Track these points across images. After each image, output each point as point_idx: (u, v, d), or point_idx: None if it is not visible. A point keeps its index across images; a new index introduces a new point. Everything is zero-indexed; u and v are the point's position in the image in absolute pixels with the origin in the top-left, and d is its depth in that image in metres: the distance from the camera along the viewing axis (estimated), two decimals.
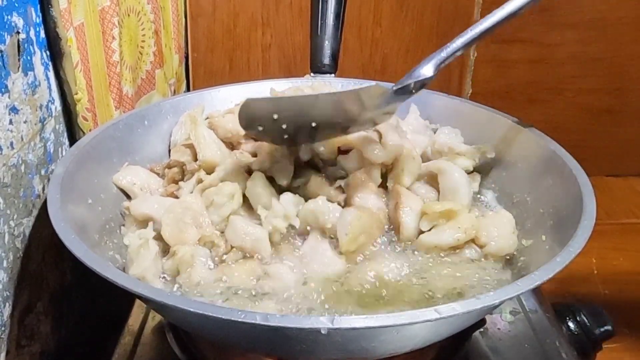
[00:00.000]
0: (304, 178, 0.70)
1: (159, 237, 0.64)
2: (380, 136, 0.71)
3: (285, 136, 0.66)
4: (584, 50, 1.32)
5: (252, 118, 0.64)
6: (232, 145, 0.75)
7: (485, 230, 0.65)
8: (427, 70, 0.65)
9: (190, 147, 0.75)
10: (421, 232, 0.66)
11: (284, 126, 0.64)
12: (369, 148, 0.69)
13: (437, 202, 0.69)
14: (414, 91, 0.65)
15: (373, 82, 0.88)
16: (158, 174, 0.74)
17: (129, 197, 0.71)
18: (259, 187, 0.67)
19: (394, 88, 0.65)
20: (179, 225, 0.64)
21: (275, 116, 0.63)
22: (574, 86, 1.36)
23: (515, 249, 0.65)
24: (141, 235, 0.63)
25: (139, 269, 0.60)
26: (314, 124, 0.64)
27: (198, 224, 0.64)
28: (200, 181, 0.69)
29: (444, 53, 0.66)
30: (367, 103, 0.64)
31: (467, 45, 0.66)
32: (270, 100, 0.68)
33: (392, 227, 0.69)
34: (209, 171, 0.71)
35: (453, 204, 0.66)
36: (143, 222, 0.67)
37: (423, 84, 0.65)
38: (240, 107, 0.63)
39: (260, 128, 0.65)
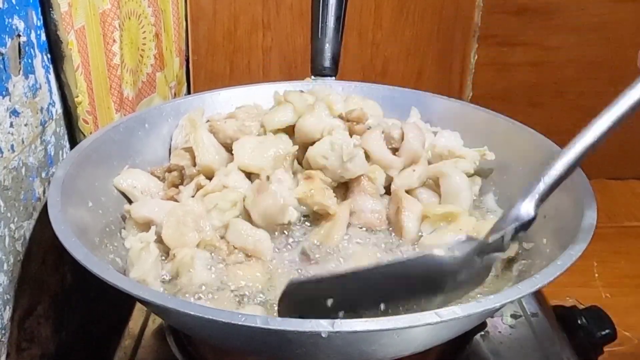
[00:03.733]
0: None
1: (159, 240, 0.64)
2: (402, 136, 0.71)
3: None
4: (585, 53, 1.32)
5: (297, 308, 0.50)
6: (232, 150, 0.75)
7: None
8: (526, 209, 0.52)
9: (190, 150, 0.75)
10: (422, 235, 0.66)
11: (341, 314, 0.50)
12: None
13: (438, 205, 0.69)
14: (509, 243, 0.52)
15: (376, 84, 0.89)
16: (158, 177, 0.74)
17: (129, 200, 0.71)
18: None
19: (482, 242, 0.51)
20: (180, 228, 0.64)
21: (330, 302, 0.49)
22: (575, 89, 1.35)
23: (515, 252, 0.65)
24: (142, 238, 0.63)
25: (140, 272, 0.60)
26: (382, 307, 0.50)
27: (199, 227, 0.64)
28: (200, 186, 0.69)
29: (542, 184, 0.53)
30: (451, 270, 0.50)
31: (572, 168, 0.53)
32: (319, 282, 0.51)
33: (393, 230, 0.69)
34: (208, 176, 0.71)
35: (454, 206, 0.66)
36: (144, 225, 0.67)
37: (522, 229, 0.52)
38: (283, 295, 0.51)
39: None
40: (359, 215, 0.69)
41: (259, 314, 0.57)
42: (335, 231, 0.66)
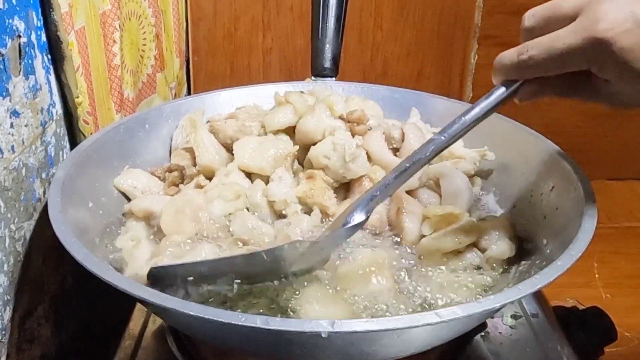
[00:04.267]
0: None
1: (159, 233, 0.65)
2: (403, 137, 0.72)
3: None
4: None
5: (164, 284, 0.56)
6: (232, 150, 0.75)
7: (486, 234, 0.65)
8: (358, 216, 0.57)
9: (190, 151, 0.75)
10: (423, 236, 0.66)
11: (205, 287, 0.57)
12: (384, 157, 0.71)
13: (439, 206, 0.69)
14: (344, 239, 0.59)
15: (376, 85, 0.89)
16: (159, 178, 0.74)
17: (129, 200, 0.71)
18: (258, 197, 0.68)
19: (318, 240, 0.58)
20: (178, 217, 0.64)
21: (191, 278, 0.56)
22: None
23: (516, 252, 0.65)
24: (133, 237, 0.64)
25: (134, 269, 0.61)
26: (236, 282, 0.57)
27: (196, 218, 0.65)
28: (200, 186, 0.69)
29: (377, 192, 0.59)
30: (292, 259, 0.57)
31: (401, 182, 0.59)
32: (180, 267, 0.58)
33: (393, 230, 0.69)
34: (208, 176, 0.71)
35: (454, 207, 0.66)
36: (144, 218, 0.67)
37: (352, 231, 0.58)
38: (148, 276, 0.56)
39: (182, 291, 0.56)
40: None
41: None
42: None
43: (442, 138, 0.59)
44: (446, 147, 0.60)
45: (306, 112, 0.73)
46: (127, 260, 0.62)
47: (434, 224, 0.66)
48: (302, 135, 0.72)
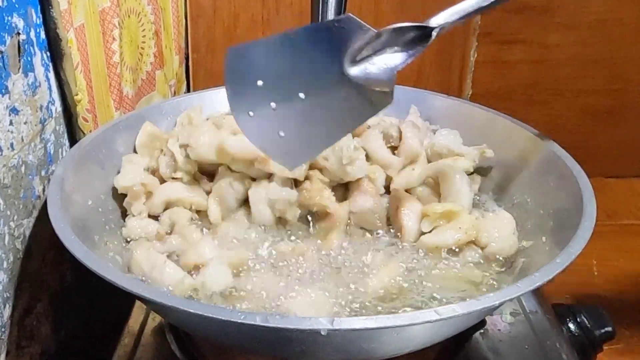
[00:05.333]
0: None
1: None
2: (400, 135, 0.71)
3: (282, 133, 0.60)
4: (585, 52, 1.32)
5: (242, 81, 0.60)
6: None
7: (486, 231, 0.65)
8: (434, 21, 0.63)
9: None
10: (422, 234, 0.66)
11: (273, 104, 0.60)
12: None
13: (438, 203, 0.69)
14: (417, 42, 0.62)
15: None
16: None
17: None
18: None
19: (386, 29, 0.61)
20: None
21: (260, 82, 0.59)
22: (574, 87, 1.35)
23: (515, 250, 0.65)
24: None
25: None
26: (301, 95, 0.60)
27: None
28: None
29: (445, 14, 0.64)
30: (349, 46, 0.60)
31: (476, 13, 0.64)
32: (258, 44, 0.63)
33: (393, 229, 0.69)
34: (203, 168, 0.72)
35: (453, 205, 0.66)
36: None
37: (423, 35, 0.61)
38: (228, 61, 0.61)
39: (252, 113, 0.60)
40: (359, 215, 0.69)
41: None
42: (334, 233, 0.66)
43: None
44: None
45: None
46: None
47: (433, 222, 0.66)
48: None
